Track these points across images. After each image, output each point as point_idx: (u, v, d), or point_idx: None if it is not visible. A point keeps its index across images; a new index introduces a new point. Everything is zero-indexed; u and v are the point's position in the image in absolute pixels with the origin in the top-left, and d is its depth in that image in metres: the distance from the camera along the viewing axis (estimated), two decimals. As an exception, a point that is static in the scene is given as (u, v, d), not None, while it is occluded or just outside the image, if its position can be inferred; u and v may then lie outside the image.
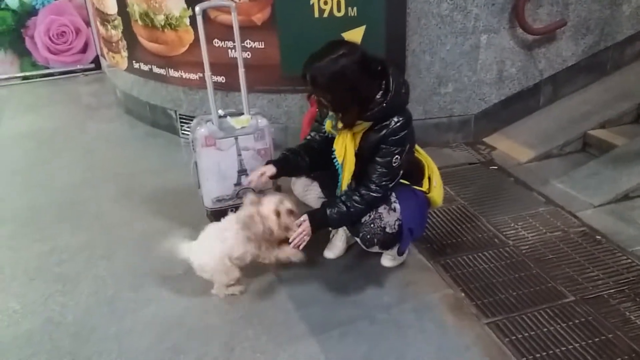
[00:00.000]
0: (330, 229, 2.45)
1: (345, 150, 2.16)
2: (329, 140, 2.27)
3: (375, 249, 2.28)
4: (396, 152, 2.09)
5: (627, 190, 2.86)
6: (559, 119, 3.63)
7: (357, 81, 2.00)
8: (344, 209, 2.13)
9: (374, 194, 2.12)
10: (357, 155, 2.15)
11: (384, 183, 2.12)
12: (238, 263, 2.23)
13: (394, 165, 2.10)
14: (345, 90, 2.00)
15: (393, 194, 2.21)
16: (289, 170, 2.36)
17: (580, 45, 3.66)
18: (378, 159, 2.11)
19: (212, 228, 2.29)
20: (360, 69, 1.99)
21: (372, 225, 2.19)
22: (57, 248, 2.68)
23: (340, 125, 2.14)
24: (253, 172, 2.31)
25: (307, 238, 2.15)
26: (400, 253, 2.36)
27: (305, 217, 2.16)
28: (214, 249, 2.20)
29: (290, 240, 2.16)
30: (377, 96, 2.04)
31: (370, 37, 3.20)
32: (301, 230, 2.14)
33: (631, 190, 2.87)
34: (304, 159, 2.31)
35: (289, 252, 2.26)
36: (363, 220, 2.19)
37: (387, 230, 2.19)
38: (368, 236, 2.20)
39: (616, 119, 3.47)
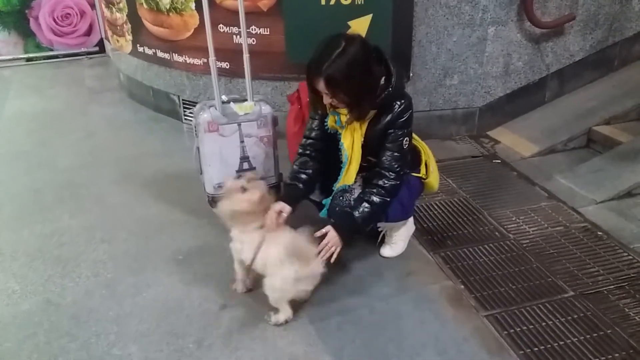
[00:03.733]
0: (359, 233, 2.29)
1: (353, 142, 2.13)
2: (327, 138, 2.23)
3: None
4: (405, 133, 2.09)
5: (629, 187, 2.85)
6: (564, 114, 3.61)
7: (370, 65, 1.98)
8: (369, 207, 2.08)
9: (394, 182, 2.10)
10: (364, 146, 2.14)
11: (398, 168, 2.10)
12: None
13: (405, 148, 2.10)
14: (362, 77, 1.96)
15: None
16: (303, 198, 2.27)
17: (588, 40, 3.63)
18: (388, 145, 2.09)
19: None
20: (367, 53, 1.97)
21: (341, 198, 2.18)
22: (58, 230, 2.68)
23: (345, 120, 2.10)
24: (269, 216, 2.07)
25: (337, 250, 2.04)
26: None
27: (328, 227, 2.05)
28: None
29: (319, 254, 2.02)
30: (381, 82, 2.03)
31: (376, 26, 3.18)
32: (326, 242, 2.02)
33: (634, 187, 2.86)
34: (312, 176, 2.24)
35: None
36: (335, 191, 2.18)
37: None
38: (337, 208, 2.18)
39: (621, 116, 3.45)
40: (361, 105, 2.03)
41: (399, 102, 2.07)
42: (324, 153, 2.25)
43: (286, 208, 2.12)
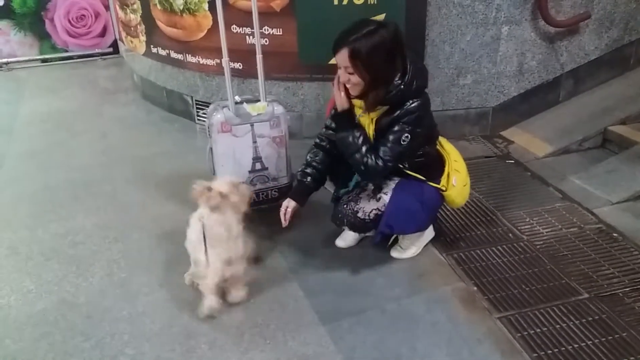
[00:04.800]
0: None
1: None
2: None
3: (345, 229, 2.36)
4: (407, 130, 2.05)
5: (646, 188, 2.82)
6: (578, 114, 3.57)
7: (394, 53, 1.99)
8: (350, 139, 2.11)
9: (374, 163, 2.08)
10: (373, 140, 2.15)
11: (387, 157, 2.08)
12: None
13: (402, 142, 2.06)
14: (384, 61, 1.98)
15: (390, 185, 2.21)
16: (312, 192, 2.35)
17: (603, 39, 3.59)
18: (390, 136, 2.08)
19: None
20: (396, 42, 1.98)
21: (345, 206, 2.23)
22: (72, 229, 2.71)
23: (359, 113, 2.13)
24: (281, 213, 2.32)
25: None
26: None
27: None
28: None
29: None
30: (396, 79, 2.02)
31: (389, 26, 3.17)
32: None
33: (650, 188, 2.82)
34: (321, 170, 2.31)
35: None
36: (343, 198, 2.29)
37: (359, 215, 2.20)
38: (339, 215, 2.25)
39: (637, 115, 3.40)
40: (376, 89, 2.02)
41: (411, 101, 2.05)
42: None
43: (291, 204, 2.29)
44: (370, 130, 2.14)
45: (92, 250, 2.54)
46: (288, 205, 2.29)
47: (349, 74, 2.01)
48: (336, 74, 2.10)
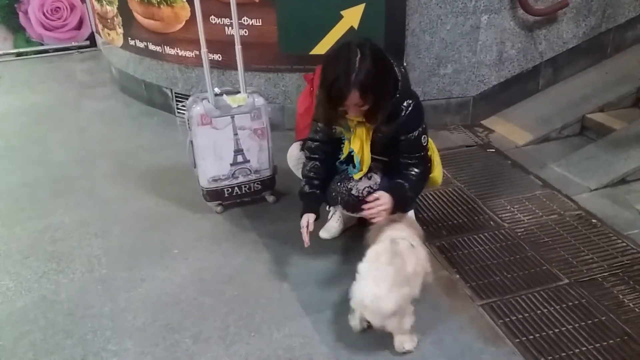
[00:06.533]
0: (402, 212, 2.26)
1: (362, 146, 2.13)
2: (332, 141, 2.24)
3: (339, 209, 2.34)
4: (421, 132, 2.10)
5: (623, 174, 2.86)
6: (557, 102, 3.60)
7: (388, 61, 1.98)
8: (414, 179, 2.13)
9: (420, 173, 2.15)
10: (371, 149, 2.14)
11: (423, 158, 2.16)
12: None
13: (424, 145, 2.14)
14: (388, 74, 1.96)
15: (379, 167, 2.23)
16: (322, 201, 2.31)
17: (581, 27, 3.62)
18: (409, 146, 2.10)
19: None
20: (383, 55, 1.95)
21: (339, 184, 2.23)
22: (51, 226, 2.67)
23: (353, 125, 2.09)
24: (303, 232, 2.16)
25: (384, 210, 2.06)
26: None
27: (382, 192, 2.09)
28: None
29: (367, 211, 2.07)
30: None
31: (369, 16, 3.15)
32: (378, 198, 2.06)
33: (628, 174, 2.86)
34: (324, 179, 2.28)
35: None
36: (335, 177, 2.27)
37: (353, 192, 2.20)
38: (333, 193, 2.24)
39: (615, 103, 3.45)
40: (384, 106, 1.98)
41: (405, 104, 2.05)
42: (331, 155, 2.27)
43: (311, 217, 2.19)
44: (368, 138, 2.11)
45: (72, 247, 2.50)
46: (308, 219, 2.17)
47: (360, 107, 1.95)
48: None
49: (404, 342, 1.86)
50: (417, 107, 2.07)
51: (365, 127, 2.09)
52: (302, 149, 2.38)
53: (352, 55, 1.87)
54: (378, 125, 2.06)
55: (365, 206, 2.08)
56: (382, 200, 2.06)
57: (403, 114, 2.04)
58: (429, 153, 2.30)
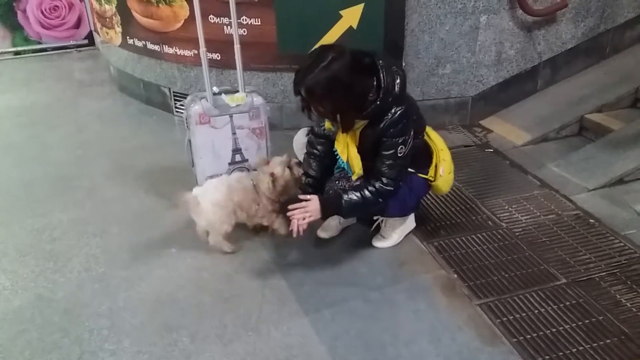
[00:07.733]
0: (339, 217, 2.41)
1: (347, 149, 2.14)
2: (330, 142, 2.27)
3: None
4: (399, 142, 2.06)
5: (621, 175, 2.86)
6: (556, 103, 3.61)
7: (352, 82, 1.95)
8: (358, 198, 2.10)
9: (387, 187, 2.11)
10: (359, 151, 2.14)
11: (394, 175, 2.10)
12: (240, 215, 2.34)
13: (400, 155, 2.08)
14: (342, 94, 1.95)
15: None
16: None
17: (580, 27, 3.63)
18: (383, 152, 2.09)
19: (221, 178, 2.38)
20: (352, 70, 1.94)
21: (337, 182, 2.26)
22: (49, 225, 2.66)
23: (338, 129, 2.14)
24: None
25: (310, 219, 2.08)
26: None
27: (314, 196, 2.11)
28: (220, 192, 2.29)
29: (289, 215, 2.11)
30: (370, 94, 2.00)
31: (368, 16, 3.15)
32: (306, 205, 2.08)
33: (626, 174, 2.86)
34: (322, 173, 2.34)
35: (277, 224, 2.37)
36: (334, 175, 2.29)
37: None
38: (331, 192, 2.25)
39: (613, 103, 3.46)
40: (343, 118, 2.04)
41: (392, 111, 2.04)
42: (329, 154, 2.30)
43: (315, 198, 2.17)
44: (353, 141, 2.13)
45: (69, 246, 2.50)
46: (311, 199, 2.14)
47: (316, 109, 2.04)
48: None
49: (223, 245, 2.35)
50: (402, 115, 2.05)
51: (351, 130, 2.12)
52: (307, 134, 2.42)
53: (320, 60, 1.92)
54: (361, 127, 2.09)
55: (290, 206, 2.11)
56: (309, 206, 2.08)
57: (388, 118, 2.04)
58: (434, 160, 2.29)
